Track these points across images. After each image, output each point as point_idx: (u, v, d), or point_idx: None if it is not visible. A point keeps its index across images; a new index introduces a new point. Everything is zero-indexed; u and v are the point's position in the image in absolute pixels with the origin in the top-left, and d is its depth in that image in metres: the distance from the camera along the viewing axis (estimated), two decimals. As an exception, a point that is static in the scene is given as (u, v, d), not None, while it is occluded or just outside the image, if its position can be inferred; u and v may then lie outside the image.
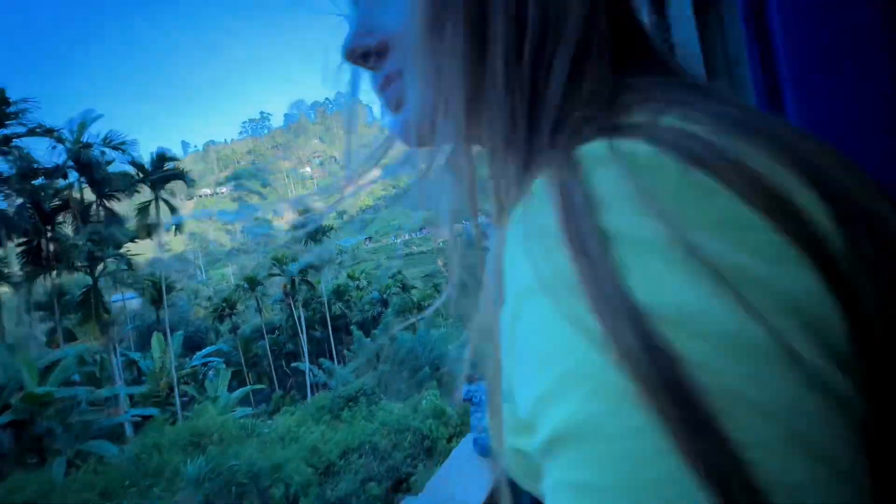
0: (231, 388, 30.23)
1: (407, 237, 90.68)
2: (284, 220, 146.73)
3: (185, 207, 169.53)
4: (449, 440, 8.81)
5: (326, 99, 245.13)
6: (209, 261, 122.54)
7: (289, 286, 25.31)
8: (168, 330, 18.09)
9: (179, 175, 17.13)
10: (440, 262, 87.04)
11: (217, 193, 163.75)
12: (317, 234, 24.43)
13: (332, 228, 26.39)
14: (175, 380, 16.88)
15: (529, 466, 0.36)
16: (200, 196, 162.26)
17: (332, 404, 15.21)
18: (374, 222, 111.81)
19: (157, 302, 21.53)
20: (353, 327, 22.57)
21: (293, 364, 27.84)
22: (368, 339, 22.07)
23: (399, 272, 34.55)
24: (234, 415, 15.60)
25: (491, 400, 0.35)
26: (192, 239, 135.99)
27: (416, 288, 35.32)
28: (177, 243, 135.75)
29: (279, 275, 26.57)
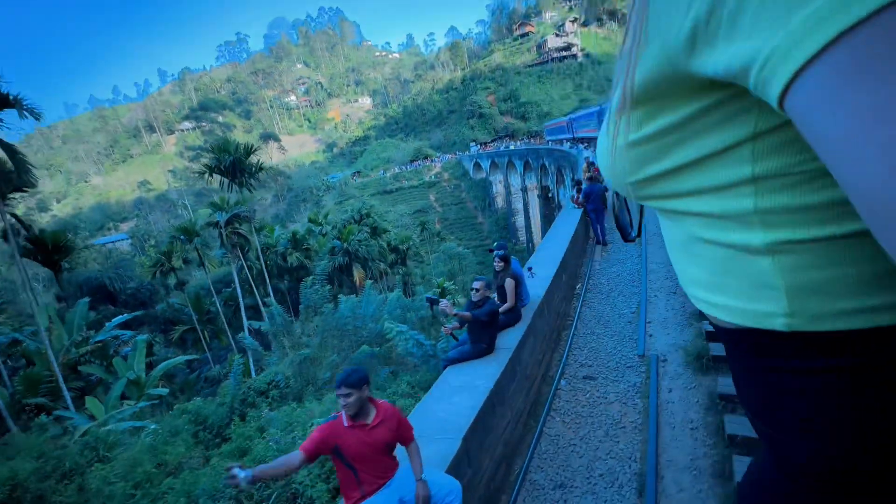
0: (186, 348, 27.24)
1: (396, 170, 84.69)
2: (299, 151, 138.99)
3: (167, 143, 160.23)
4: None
5: (308, 16, 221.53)
6: (198, 200, 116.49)
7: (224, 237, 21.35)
8: (31, 298, 14.21)
9: (4, 101, 12.05)
10: (432, 197, 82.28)
11: (199, 127, 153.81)
12: (241, 177, 19.76)
13: (261, 169, 21.29)
14: (56, 365, 13.57)
15: (651, 150, 0.49)
16: (182, 130, 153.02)
17: (233, 401, 11.78)
18: (363, 155, 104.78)
19: (52, 265, 17.70)
20: (268, 298, 18.70)
21: (248, 322, 24.78)
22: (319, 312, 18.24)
23: (368, 214, 29.92)
24: (122, 412, 12.49)
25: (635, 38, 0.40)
26: (175, 177, 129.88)
27: (388, 231, 30.95)
28: (160, 182, 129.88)
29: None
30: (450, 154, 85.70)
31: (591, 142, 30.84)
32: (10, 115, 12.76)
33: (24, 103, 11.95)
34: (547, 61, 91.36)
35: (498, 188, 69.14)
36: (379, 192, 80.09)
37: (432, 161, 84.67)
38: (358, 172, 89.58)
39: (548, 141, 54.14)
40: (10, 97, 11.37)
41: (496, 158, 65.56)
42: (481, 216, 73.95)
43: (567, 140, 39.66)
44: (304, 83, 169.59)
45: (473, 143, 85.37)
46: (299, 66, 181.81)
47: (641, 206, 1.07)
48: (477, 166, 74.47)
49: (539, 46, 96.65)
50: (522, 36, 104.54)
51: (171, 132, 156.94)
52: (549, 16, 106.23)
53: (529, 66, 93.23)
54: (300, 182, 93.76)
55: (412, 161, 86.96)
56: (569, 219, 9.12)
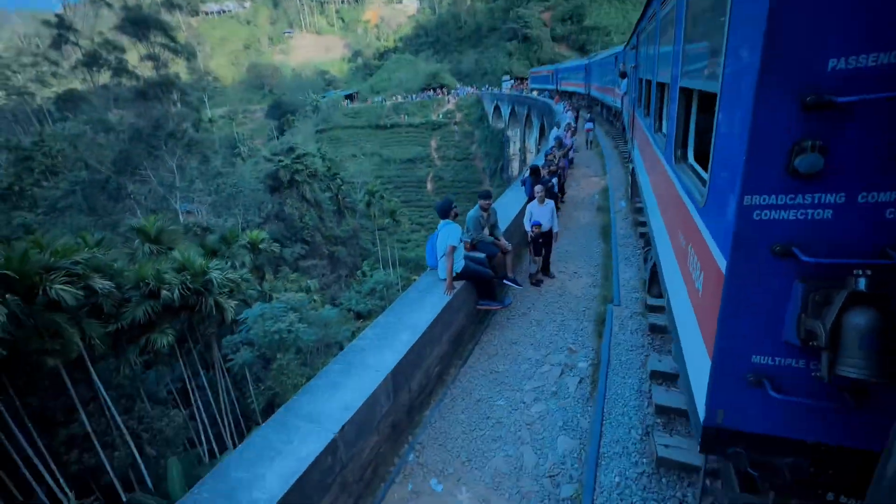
0: None
1: (399, 99, 65.41)
2: (325, 55, 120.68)
3: (190, 24, 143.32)
4: None
5: None
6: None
7: None
8: None
9: None
10: (433, 144, 63.55)
11: (224, 11, 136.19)
12: None
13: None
14: None
15: None
16: (207, 14, 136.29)
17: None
18: (377, 71, 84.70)
19: None
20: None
21: None
22: None
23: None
24: None
25: None
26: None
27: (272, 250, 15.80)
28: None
29: None
30: (471, 87, 64.67)
31: (573, 95, 31.11)
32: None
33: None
34: (638, -31, 63.72)
35: (514, 148, 49.70)
36: (370, 125, 62.26)
37: (448, 94, 64.40)
38: (351, 96, 71.01)
39: (532, 90, 47.27)
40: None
41: (517, 106, 45.39)
42: (489, 182, 55.19)
43: (550, 91, 38.81)
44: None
45: (506, 77, 63.46)
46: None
47: None
48: (497, 111, 54.21)
49: (633, -55, 67.83)
50: (614, -72, 74.55)
51: (196, 13, 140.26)
52: None
53: (611, -27, 65.92)
54: (292, 95, 76.99)
55: (423, 90, 66.95)
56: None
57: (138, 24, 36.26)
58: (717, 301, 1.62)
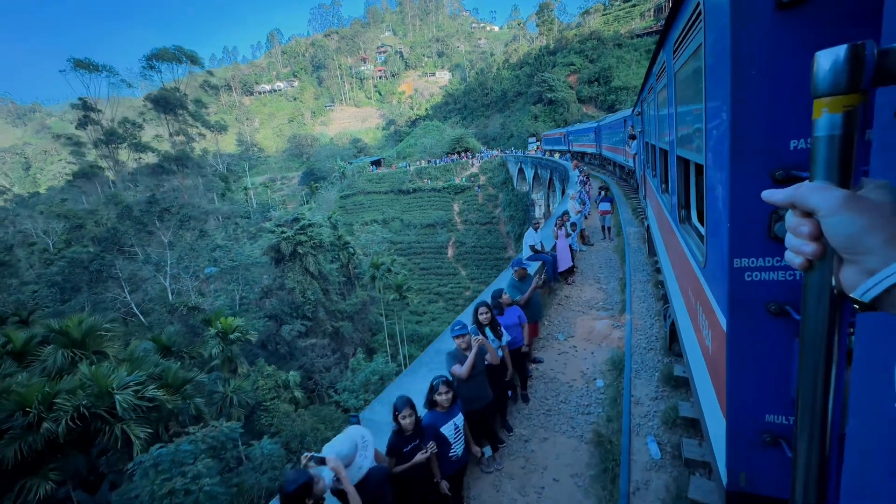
0: None
1: (424, 164, 64.77)
2: (361, 125, 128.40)
3: (243, 103, 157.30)
4: None
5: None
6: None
7: None
8: None
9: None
10: (455, 208, 61.17)
11: (275, 90, 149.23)
12: None
13: None
14: None
15: None
16: (260, 93, 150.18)
17: None
18: (406, 137, 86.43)
19: None
20: None
21: None
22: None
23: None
24: None
25: None
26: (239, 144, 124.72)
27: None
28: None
29: None
30: (495, 150, 63.08)
31: (584, 156, 33.18)
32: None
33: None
34: (666, 29, 62.10)
35: (539, 212, 45.96)
36: (393, 190, 61.33)
37: (471, 157, 63.06)
38: (378, 162, 71.38)
39: (545, 151, 48.93)
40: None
41: (540, 169, 42.28)
42: (514, 248, 51.11)
43: (563, 152, 40.05)
44: (384, 51, 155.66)
45: (532, 139, 61.57)
46: (387, 33, 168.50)
47: None
48: (521, 174, 51.47)
49: (659, 9, 67.20)
50: (639, -6, 75.00)
51: (250, 93, 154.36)
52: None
53: (637, 35, 64.83)
54: (322, 162, 79.10)
55: (448, 154, 66.19)
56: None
57: (160, 104, 37.97)
58: (724, 358, 1.64)
